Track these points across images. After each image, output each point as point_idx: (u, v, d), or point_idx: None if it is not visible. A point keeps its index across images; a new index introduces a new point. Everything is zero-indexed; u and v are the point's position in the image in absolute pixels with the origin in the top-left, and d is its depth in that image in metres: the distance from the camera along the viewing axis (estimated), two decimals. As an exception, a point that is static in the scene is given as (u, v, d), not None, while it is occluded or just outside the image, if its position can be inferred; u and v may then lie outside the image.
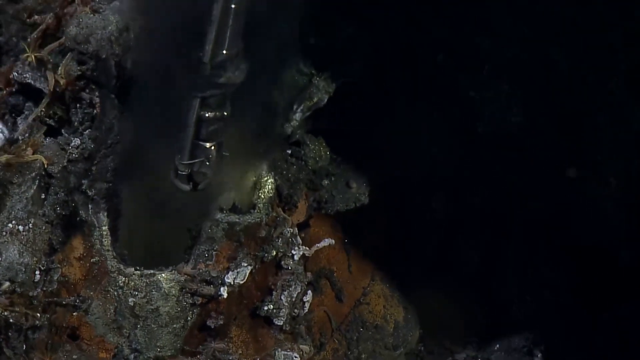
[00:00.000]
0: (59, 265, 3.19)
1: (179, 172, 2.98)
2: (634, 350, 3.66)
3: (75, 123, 3.25)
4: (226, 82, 2.83)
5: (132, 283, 3.20)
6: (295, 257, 3.44)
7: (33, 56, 3.10)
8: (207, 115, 2.88)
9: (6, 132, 3.15)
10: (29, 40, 3.25)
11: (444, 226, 4.00)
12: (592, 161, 3.62)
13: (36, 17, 3.42)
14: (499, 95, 3.74)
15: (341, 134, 3.76)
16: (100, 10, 3.12)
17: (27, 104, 3.25)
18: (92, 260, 3.25)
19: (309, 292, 3.53)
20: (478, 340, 4.07)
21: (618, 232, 3.63)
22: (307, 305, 3.53)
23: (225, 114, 2.92)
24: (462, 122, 3.81)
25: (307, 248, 3.46)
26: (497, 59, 3.63)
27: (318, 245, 3.51)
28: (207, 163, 2.96)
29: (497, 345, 4.01)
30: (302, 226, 3.68)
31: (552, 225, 3.79)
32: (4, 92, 3.21)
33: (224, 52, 2.76)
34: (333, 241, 3.55)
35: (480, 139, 3.79)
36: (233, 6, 2.69)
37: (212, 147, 2.95)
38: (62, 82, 3.07)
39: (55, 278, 3.18)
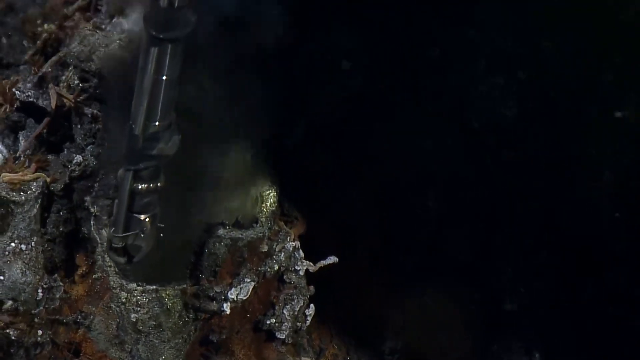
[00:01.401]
0: (61, 284, 3.18)
1: (113, 244, 2.98)
2: (629, 346, 3.67)
3: (78, 140, 3.23)
4: (159, 153, 2.81)
5: (135, 299, 3.19)
6: (300, 272, 3.43)
7: (35, 71, 3.07)
8: (140, 187, 2.86)
9: (5, 152, 3.13)
10: (29, 54, 3.22)
11: (436, 221, 3.99)
12: (586, 155, 3.62)
13: (37, 29, 3.38)
14: (494, 89, 3.72)
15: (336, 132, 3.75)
16: (102, 27, 3.09)
17: (28, 120, 3.22)
18: (94, 276, 3.24)
19: (311, 305, 3.52)
20: (475, 340, 4.06)
21: (612, 226, 3.64)
22: (309, 318, 3.52)
23: (159, 185, 2.90)
24: (457, 117, 3.79)
25: (311, 264, 3.46)
26: (491, 53, 3.62)
27: (323, 262, 3.50)
28: (142, 235, 2.95)
29: (495, 347, 4.01)
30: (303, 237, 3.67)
31: (546, 219, 3.79)
32: (6, 108, 3.18)
33: (156, 123, 2.73)
34: (337, 259, 3.53)
35: (476, 134, 3.78)
36: (164, 78, 2.65)
37: (147, 220, 2.93)
38: (64, 99, 3.04)
39: (58, 295, 3.17)
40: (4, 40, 3.56)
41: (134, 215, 2.91)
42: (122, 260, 3.01)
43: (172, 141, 2.80)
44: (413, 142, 3.81)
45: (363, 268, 3.98)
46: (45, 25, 3.43)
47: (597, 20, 3.22)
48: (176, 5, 2.52)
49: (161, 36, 2.59)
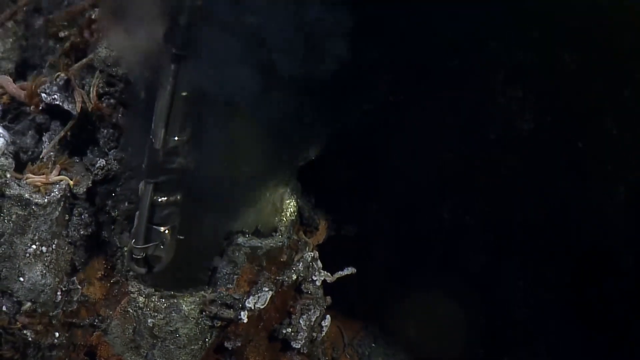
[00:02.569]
0: (79, 287, 3.20)
1: (134, 255, 3.06)
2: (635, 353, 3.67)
3: (101, 144, 3.24)
4: (178, 167, 2.92)
5: (152, 304, 3.19)
6: (317, 283, 3.43)
7: (62, 75, 3.07)
8: (160, 200, 2.96)
9: (7, 136, 3.12)
10: (56, 56, 3.23)
11: (450, 233, 3.99)
12: (602, 169, 3.60)
13: (63, 32, 3.39)
14: (512, 101, 3.71)
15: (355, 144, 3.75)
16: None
17: (53, 123, 3.22)
18: (112, 280, 3.26)
19: (327, 316, 3.52)
20: (485, 351, 4.06)
21: (623, 237, 3.62)
22: (325, 329, 3.52)
23: (179, 197, 2.99)
24: (474, 128, 3.78)
25: (329, 275, 3.46)
26: (510, 64, 3.61)
27: (341, 272, 3.50)
28: (162, 247, 3.03)
29: (505, 358, 4.01)
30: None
31: (559, 231, 3.78)
32: (3, 99, 3.20)
33: (176, 138, 2.84)
34: (355, 270, 3.53)
35: (492, 145, 3.77)
36: (184, 94, 2.76)
37: (166, 231, 3.02)
38: (89, 103, 3.04)
39: (76, 298, 3.18)
40: (31, 41, 3.56)
41: (154, 227, 2.99)
42: (142, 270, 3.08)
43: (191, 155, 2.90)
44: (431, 154, 3.81)
45: (378, 279, 3.98)
46: (69, 30, 3.43)
47: (616, 34, 3.21)
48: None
49: (181, 53, 2.68)
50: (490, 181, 3.81)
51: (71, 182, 3.02)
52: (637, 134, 3.41)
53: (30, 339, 3.10)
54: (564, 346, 3.86)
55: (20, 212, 2.98)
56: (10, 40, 3.58)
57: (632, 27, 3.14)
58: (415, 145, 3.79)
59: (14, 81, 3.32)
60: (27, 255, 3.01)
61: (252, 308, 3.24)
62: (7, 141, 3.10)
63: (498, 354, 4.00)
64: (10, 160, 3.09)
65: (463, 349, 4.02)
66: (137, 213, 2.99)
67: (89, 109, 3.09)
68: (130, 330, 3.23)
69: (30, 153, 3.23)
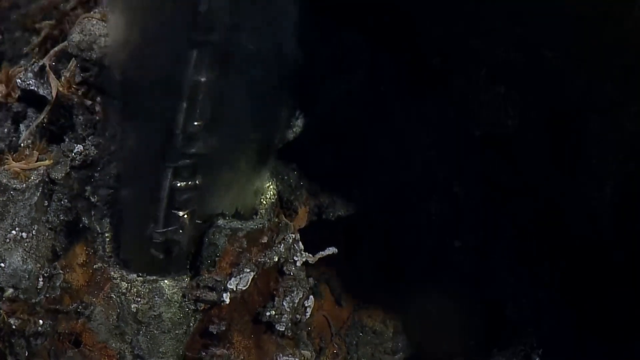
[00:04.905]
0: (61, 272, 3.19)
1: (154, 240, 3.08)
2: (628, 350, 3.67)
3: (78, 129, 3.26)
4: (198, 152, 2.95)
5: (135, 289, 3.20)
6: (298, 264, 3.44)
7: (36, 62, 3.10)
8: (179, 184, 2.99)
9: None
10: (31, 46, 3.25)
11: (439, 228, 4.00)
12: (587, 164, 3.62)
13: (39, 24, 3.41)
14: (495, 97, 3.73)
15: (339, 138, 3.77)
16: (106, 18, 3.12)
17: (29, 111, 3.24)
18: (94, 266, 3.25)
19: (311, 297, 3.53)
20: (476, 344, 4.06)
21: (612, 233, 3.64)
22: (308, 310, 3.53)
23: (198, 182, 3.03)
24: (459, 125, 3.81)
25: (310, 255, 3.47)
26: (493, 61, 3.63)
27: (322, 252, 3.51)
28: (181, 231, 3.07)
29: (495, 350, 4.00)
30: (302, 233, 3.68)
31: (548, 228, 3.79)
32: (8, 95, 3.22)
33: (195, 123, 2.87)
34: (336, 250, 3.54)
35: (477, 142, 3.79)
36: (203, 79, 2.79)
37: (186, 216, 3.06)
38: (65, 89, 3.07)
39: (58, 284, 3.18)
40: (7, 35, 3.59)
41: (174, 211, 3.02)
42: (161, 255, 3.11)
43: (210, 139, 2.93)
44: (415, 148, 3.83)
45: (366, 272, 3.99)
46: (45, 21, 3.46)
47: (598, 29, 3.24)
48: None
49: (201, 39, 2.73)
50: (478, 178, 3.84)
51: (49, 163, 3.03)
52: (620, 130, 3.43)
53: (14, 326, 3.10)
54: (557, 345, 3.86)
55: (-1, 198, 3.00)
56: (-16, 34, 3.62)
57: (616, 22, 3.17)
58: (401, 143, 3.81)
59: (-11, 74, 3.35)
60: (7, 240, 3.02)
61: (235, 289, 3.26)
62: None
63: (490, 348, 4.00)
64: None
65: (453, 340, 4.03)
66: (156, 198, 3.01)
67: (64, 95, 3.10)
68: (115, 317, 3.24)
69: (8, 142, 3.25)
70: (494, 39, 3.47)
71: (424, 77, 3.77)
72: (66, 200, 3.19)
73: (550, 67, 3.44)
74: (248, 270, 3.28)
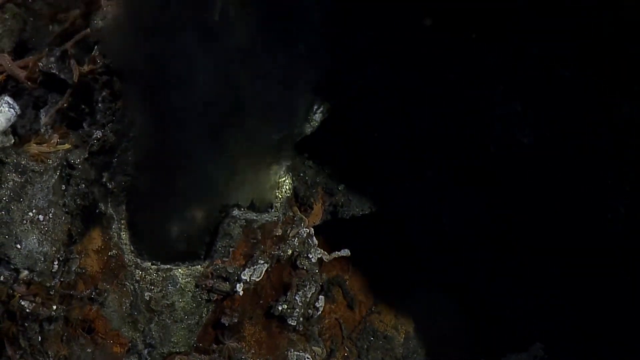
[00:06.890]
0: (77, 256, 3.20)
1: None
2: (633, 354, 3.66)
3: (98, 115, 3.28)
4: None
5: (149, 277, 3.22)
6: (312, 259, 3.44)
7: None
8: None
9: (17, 107, 3.17)
10: (54, 34, 3.29)
11: (450, 240, 4.00)
12: (601, 185, 3.62)
13: (62, 15, 3.45)
14: (512, 114, 3.74)
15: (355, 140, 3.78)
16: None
17: (49, 96, 3.27)
18: (109, 253, 3.27)
19: (321, 297, 3.53)
20: (485, 356, 4.05)
21: (625, 252, 3.62)
22: (320, 307, 3.52)
23: None
24: (474, 140, 3.81)
25: (325, 252, 3.47)
26: (510, 78, 3.64)
27: (337, 253, 3.51)
28: None
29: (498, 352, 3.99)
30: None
31: (559, 245, 3.78)
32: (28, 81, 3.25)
33: None
34: (349, 252, 3.55)
35: (492, 158, 3.80)
36: None
37: None
38: (86, 74, 3.10)
39: (73, 269, 3.19)
40: (30, 24, 3.63)
41: None
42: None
43: None
44: (427, 159, 3.84)
45: (379, 276, 3.99)
46: (70, 11, 3.49)
47: (615, 50, 3.25)
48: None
49: None
50: (491, 193, 3.84)
51: (68, 146, 3.05)
52: (636, 148, 3.43)
53: (27, 310, 3.11)
54: (560, 348, 3.85)
55: (17, 179, 3.01)
56: (9, 22, 3.64)
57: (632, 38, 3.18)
58: (414, 143, 3.82)
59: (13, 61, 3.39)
60: (24, 222, 3.04)
61: (248, 280, 3.27)
62: (16, 112, 3.16)
63: (494, 353, 3.99)
64: (10, 137, 3.15)
65: (459, 345, 4.02)
66: None
67: (85, 81, 3.13)
68: (128, 304, 3.25)
69: (28, 127, 3.27)
70: (511, 55, 3.49)
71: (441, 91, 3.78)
72: (83, 185, 3.21)
73: (565, 85, 3.45)
74: (262, 261, 3.29)
